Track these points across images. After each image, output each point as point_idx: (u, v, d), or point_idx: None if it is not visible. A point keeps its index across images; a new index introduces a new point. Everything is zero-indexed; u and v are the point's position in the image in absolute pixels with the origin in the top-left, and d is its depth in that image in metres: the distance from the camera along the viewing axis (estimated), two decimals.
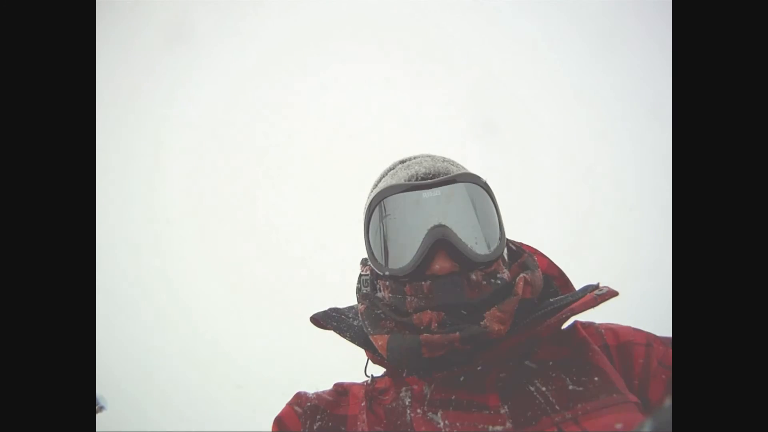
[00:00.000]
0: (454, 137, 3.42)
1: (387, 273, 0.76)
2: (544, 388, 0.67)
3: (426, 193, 0.75)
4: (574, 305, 0.71)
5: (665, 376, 0.73)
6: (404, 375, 0.76)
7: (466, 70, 3.50)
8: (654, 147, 3.08)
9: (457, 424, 0.64)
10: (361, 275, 0.86)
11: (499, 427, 0.63)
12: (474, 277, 0.71)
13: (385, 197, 0.76)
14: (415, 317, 0.71)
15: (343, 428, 0.74)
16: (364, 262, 0.88)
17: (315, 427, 0.74)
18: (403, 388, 0.74)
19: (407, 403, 0.71)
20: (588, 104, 3.34)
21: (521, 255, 0.83)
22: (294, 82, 3.57)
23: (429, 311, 0.70)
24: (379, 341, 0.73)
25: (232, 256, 3.38)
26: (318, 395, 0.80)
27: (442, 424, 0.65)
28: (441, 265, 0.71)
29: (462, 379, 0.69)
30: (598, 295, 0.72)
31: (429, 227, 0.72)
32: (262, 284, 3.13)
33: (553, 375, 0.69)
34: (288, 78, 3.57)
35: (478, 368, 0.69)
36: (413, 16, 3.51)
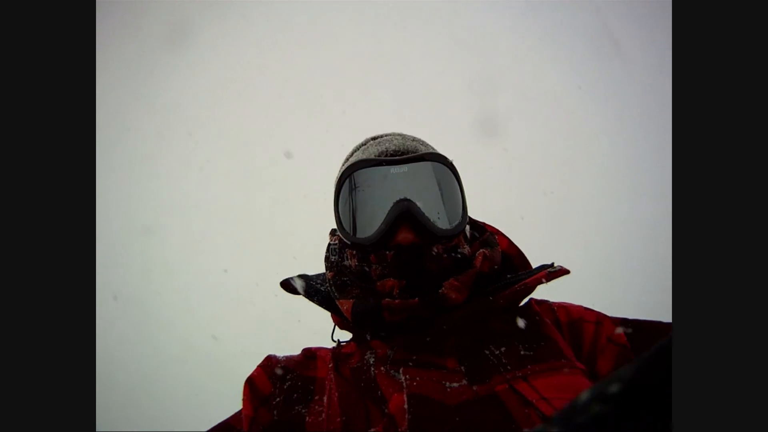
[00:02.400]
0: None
1: (354, 242, 0.80)
2: (497, 351, 0.72)
3: (394, 169, 0.79)
4: (528, 280, 0.77)
5: (613, 351, 0.78)
6: (368, 339, 0.80)
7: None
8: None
9: (417, 378, 0.68)
10: (329, 244, 0.90)
11: (455, 383, 0.67)
12: (435, 250, 0.76)
13: (355, 171, 0.81)
14: (378, 284, 0.76)
15: (312, 387, 0.76)
16: (332, 232, 0.92)
17: (285, 387, 0.76)
18: (368, 352, 0.78)
19: (371, 362, 0.75)
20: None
21: (483, 233, 0.89)
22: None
23: (391, 279, 0.75)
24: (345, 305, 0.79)
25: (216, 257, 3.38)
26: (288, 358, 0.83)
27: (403, 378, 0.68)
28: (404, 236, 0.75)
29: (422, 341, 0.74)
30: (551, 272, 0.78)
31: (395, 200, 0.76)
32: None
33: (507, 341, 0.74)
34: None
35: (436, 332, 0.74)
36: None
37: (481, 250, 0.82)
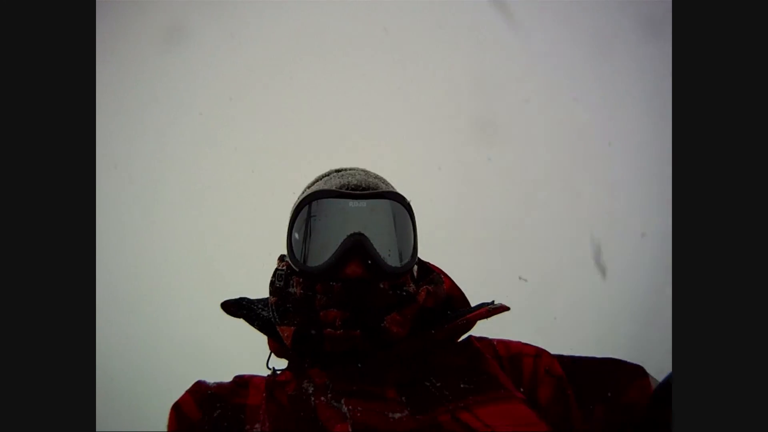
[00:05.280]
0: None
1: (303, 269, 0.80)
2: (438, 383, 0.73)
3: (353, 203, 0.80)
4: (469, 315, 0.80)
5: (551, 382, 0.81)
6: (306, 367, 0.79)
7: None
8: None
9: (360, 408, 0.68)
10: (276, 270, 0.90)
11: (397, 414, 0.68)
12: (381, 286, 0.77)
13: (315, 200, 0.83)
14: (321, 314, 0.76)
15: (243, 416, 0.75)
16: (281, 258, 0.92)
17: (215, 415, 0.75)
18: (305, 381, 0.77)
19: (310, 391, 0.74)
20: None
21: (430, 273, 0.91)
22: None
23: (335, 310, 0.75)
24: (286, 332, 0.79)
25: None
26: (218, 384, 0.82)
27: (345, 409, 0.68)
28: (353, 269, 0.76)
29: (361, 372, 0.74)
30: (491, 308, 0.82)
31: (348, 233, 0.77)
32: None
33: (447, 375, 0.75)
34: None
35: (376, 364, 0.75)
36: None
37: (424, 287, 0.84)
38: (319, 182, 0.91)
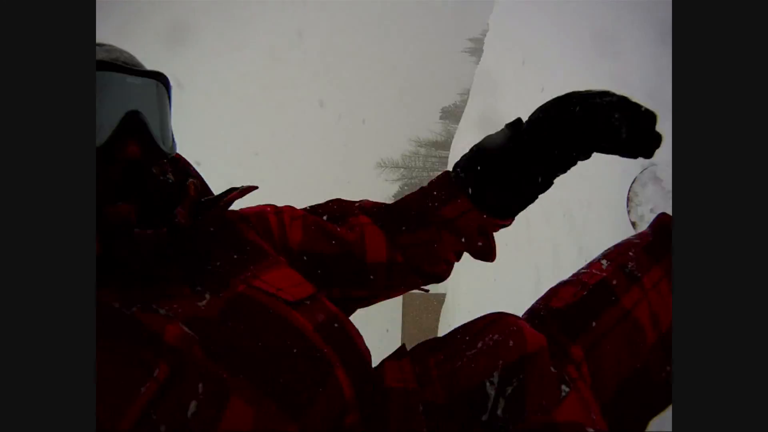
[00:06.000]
0: None
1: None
2: (218, 263, 0.73)
3: (130, 79, 0.74)
4: (227, 198, 0.80)
5: (297, 224, 0.90)
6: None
7: None
8: None
9: (174, 307, 0.64)
10: None
11: (204, 301, 0.66)
12: (154, 170, 0.74)
13: (98, 71, 0.73)
14: (110, 209, 0.67)
15: None
16: None
17: None
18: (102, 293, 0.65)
19: (117, 306, 0.63)
20: None
21: (179, 161, 0.89)
22: None
23: (124, 203, 0.68)
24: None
25: None
26: None
27: (162, 311, 0.63)
28: (133, 150, 0.69)
29: (160, 276, 0.69)
30: (242, 189, 0.83)
31: (127, 110, 0.71)
32: None
33: (219, 254, 0.75)
34: None
35: (163, 262, 0.70)
36: None
37: (191, 180, 0.83)
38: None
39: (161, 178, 0.75)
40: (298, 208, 0.96)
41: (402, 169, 17.34)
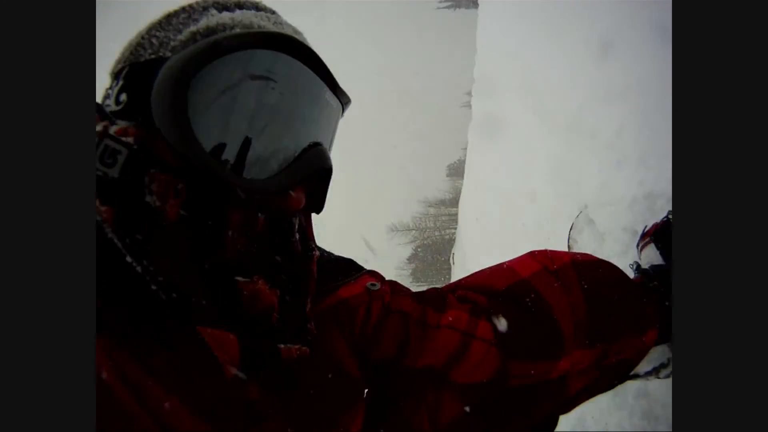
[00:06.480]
0: None
1: (225, 177, 0.43)
2: (316, 405, 0.54)
3: (329, 95, 0.49)
4: (343, 295, 0.62)
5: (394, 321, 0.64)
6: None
7: None
8: None
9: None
10: (107, 133, 0.47)
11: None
12: (293, 239, 0.51)
13: (281, 49, 0.45)
14: (241, 285, 0.44)
15: None
16: (125, 109, 0.48)
17: None
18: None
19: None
20: None
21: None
22: None
23: (262, 280, 0.44)
24: (219, 338, 0.42)
25: None
26: None
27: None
28: (299, 199, 0.48)
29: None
30: (371, 290, 0.65)
31: (311, 141, 0.47)
32: None
33: (317, 390, 0.54)
34: None
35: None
36: None
37: (314, 248, 0.56)
38: (259, 17, 0.50)
39: (295, 246, 0.51)
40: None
41: (414, 231, 17.20)
